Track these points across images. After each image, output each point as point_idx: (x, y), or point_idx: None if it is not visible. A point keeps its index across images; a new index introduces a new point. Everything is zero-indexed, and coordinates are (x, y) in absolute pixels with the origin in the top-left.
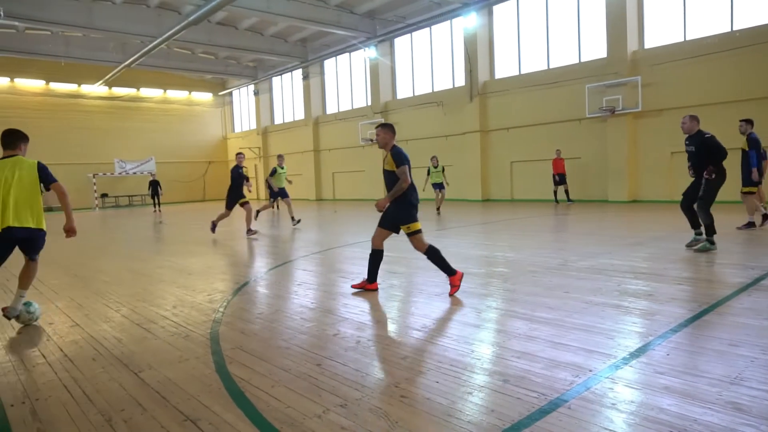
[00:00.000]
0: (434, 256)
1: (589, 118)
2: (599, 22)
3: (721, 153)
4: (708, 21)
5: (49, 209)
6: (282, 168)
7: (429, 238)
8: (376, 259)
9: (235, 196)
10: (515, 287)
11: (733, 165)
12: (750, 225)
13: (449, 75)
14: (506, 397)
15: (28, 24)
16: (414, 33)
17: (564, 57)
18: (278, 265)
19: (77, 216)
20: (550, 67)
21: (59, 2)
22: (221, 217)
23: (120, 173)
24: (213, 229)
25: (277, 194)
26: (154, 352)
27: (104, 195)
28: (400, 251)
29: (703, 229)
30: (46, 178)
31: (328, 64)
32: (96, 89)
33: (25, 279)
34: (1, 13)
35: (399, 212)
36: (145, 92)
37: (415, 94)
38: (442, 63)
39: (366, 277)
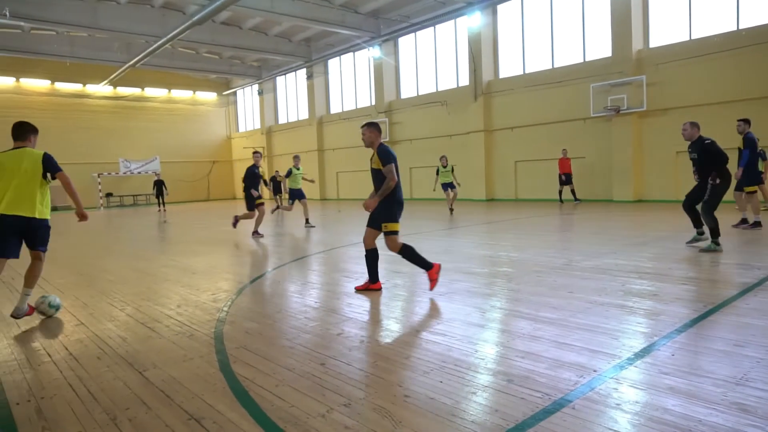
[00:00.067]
0: (410, 254)
1: (594, 117)
2: (604, 21)
3: (722, 158)
4: (713, 20)
5: (54, 209)
6: (298, 169)
7: (433, 237)
8: (372, 258)
9: (252, 196)
10: (519, 287)
11: (733, 166)
12: (756, 225)
13: (453, 74)
14: (510, 397)
15: (34, 24)
16: (418, 32)
17: (568, 56)
18: (282, 265)
19: None
20: (555, 66)
21: (64, 2)
22: (246, 216)
23: (125, 173)
24: (235, 223)
25: (294, 195)
26: (159, 351)
27: (109, 194)
28: None
29: (705, 229)
30: (52, 168)
31: (332, 63)
32: (101, 89)
33: (31, 278)
34: (7, 14)
35: (383, 210)
36: (150, 92)
37: (419, 93)
38: (446, 62)
39: (368, 278)
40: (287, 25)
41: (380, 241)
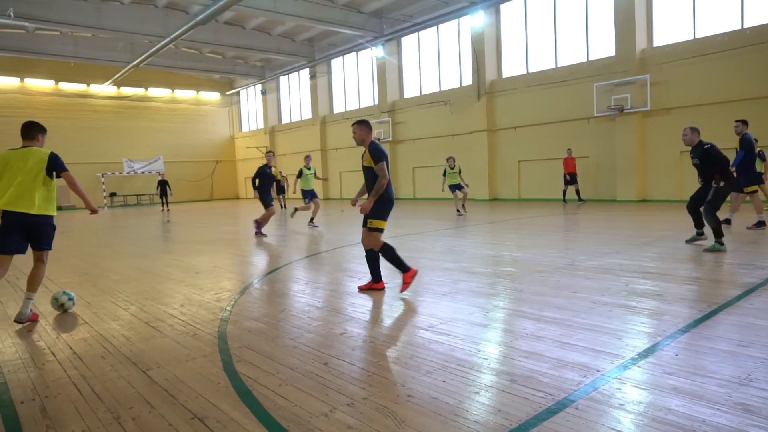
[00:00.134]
0: (390, 254)
1: (598, 117)
2: (607, 20)
3: (723, 161)
4: (717, 19)
5: (58, 209)
6: (309, 169)
7: (436, 237)
8: (372, 259)
9: (267, 195)
10: (522, 287)
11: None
12: (760, 224)
13: (456, 74)
14: (513, 396)
15: (38, 24)
16: (421, 32)
17: (572, 55)
18: (285, 264)
19: (85, 215)
20: (558, 65)
21: (68, 3)
22: (266, 217)
23: (128, 173)
24: (258, 230)
25: (307, 195)
26: (162, 351)
27: (113, 194)
28: (406, 251)
29: (705, 230)
30: (58, 167)
31: (335, 63)
32: (104, 89)
33: (33, 281)
34: (11, 14)
35: (374, 207)
36: (153, 92)
37: (423, 93)
38: (450, 62)
39: (371, 278)
40: (290, 25)
41: (392, 243)
